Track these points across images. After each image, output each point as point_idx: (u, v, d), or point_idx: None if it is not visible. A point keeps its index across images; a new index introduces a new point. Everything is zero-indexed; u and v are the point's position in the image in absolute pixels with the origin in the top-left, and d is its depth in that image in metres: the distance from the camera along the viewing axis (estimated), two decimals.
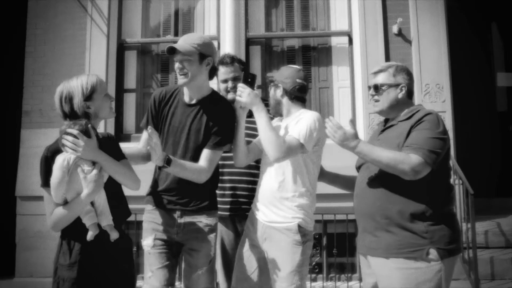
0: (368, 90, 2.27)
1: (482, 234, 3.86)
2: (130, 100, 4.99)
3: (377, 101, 2.15)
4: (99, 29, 4.79)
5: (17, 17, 4.99)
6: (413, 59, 4.52)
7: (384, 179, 1.99)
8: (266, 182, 2.27)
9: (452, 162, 3.86)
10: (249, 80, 2.22)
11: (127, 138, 4.83)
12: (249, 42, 4.85)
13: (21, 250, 4.63)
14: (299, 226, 2.17)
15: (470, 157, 4.66)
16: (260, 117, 2.17)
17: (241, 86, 2.20)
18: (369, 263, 2.07)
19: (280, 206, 2.21)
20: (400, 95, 2.11)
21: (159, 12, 5.15)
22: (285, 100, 2.33)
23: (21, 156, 4.69)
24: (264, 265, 2.27)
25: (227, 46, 4.65)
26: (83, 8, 4.83)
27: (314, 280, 4.43)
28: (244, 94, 2.17)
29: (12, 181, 4.66)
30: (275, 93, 2.36)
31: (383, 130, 2.18)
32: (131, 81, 4.99)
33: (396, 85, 2.10)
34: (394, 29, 4.55)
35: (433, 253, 1.89)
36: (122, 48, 4.95)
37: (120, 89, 4.92)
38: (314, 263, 4.46)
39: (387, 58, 4.54)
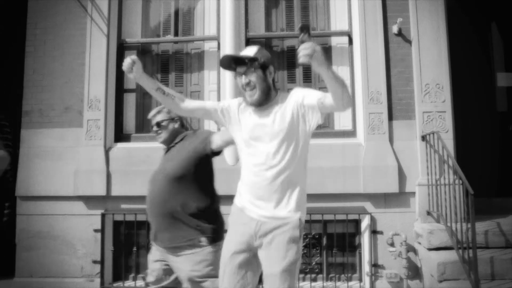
0: (151, 129, 2.87)
1: (482, 234, 3.86)
2: (130, 100, 4.99)
3: (160, 133, 2.80)
4: (99, 29, 4.79)
5: (17, 17, 4.99)
6: (413, 59, 4.53)
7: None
8: (265, 174, 2.12)
9: (452, 162, 3.87)
10: (306, 32, 1.80)
11: (127, 138, 4.84)
12: (249, 42, 4.84)
13: (21, 250, 4.63)
14: (299, 220, 2.11)
15: (470, 157, 4.66)
16: (332, 72, 1.87)
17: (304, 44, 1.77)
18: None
19: (283, 199, 2.11)
20: (176, 125, 2.82)
21: (159, 12, 5.15)
22: (271, 85, 2.21)
23: (21, 156, 4.69)
24: (255, 262, 2.17)
25: (227, 46, 4.66)
26: (83, 8, 4.83)
27: (314, 280, 4.43)
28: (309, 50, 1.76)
29: (12, 181, 4.66)
30: (268, 76, 2.18)
31: (166, 152, 2.82)
32: (131, 81, 4.97)
33: (172, 119, 2.81)
34: (394, 29, 4.55)
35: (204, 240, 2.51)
36: (122, 48, 4.95)
37: (120, 89, 4.93)
38: (314, 263, 4.46)
39: (387, 58, 4.55)
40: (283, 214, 2.11)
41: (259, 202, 2.15)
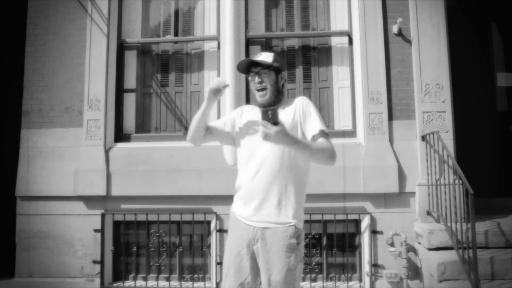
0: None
1: (482, 234, 3.86)
2: (130, 100, 4.99)
3: None
4: (99, 29, 4.79)
5: (17, 17, 4.99)
6: (413, 59, 4.53)
7: None
8: (264, 178, 2.14)
9: (452, 162, 3.87)
10: (270, 117, 1.90)
11: (127, 138, 4.84)
12: (249, 42, 4.85)
13: (21, 250, 4.63)
14: (295, 227, 2.13)
15: (470, 157, 4.66)
16: (302, 147, 2.01)
17: (264, 127, 1.90)
18: None
19: (279, 205, 2.13)
20: None
21: (159, 12, 5.15)
22: (281, 90, 2.34)
23: (21, 156, 4.69)
24: (256, 265, 2.19)
25: (227, 46, 4.66)
26: (83, 8, 4.83)
27: (314, 280, 4.43)
28: (271, 133, 1.89)
29: (12, 181, 4.66)
30: (279, 80, 2.33)
31: None
32: (131, 81, 4.99)
33: None
34: (394, 29, 4.55)
35: None
36: (122, 48, 4.95)
37: (120, 89, 4.92)
38: (314, 263, 4.46)
39: (387, 58, 4.55)
40: (277, 220, 2.13)
41: (253, 208, 2.16)
